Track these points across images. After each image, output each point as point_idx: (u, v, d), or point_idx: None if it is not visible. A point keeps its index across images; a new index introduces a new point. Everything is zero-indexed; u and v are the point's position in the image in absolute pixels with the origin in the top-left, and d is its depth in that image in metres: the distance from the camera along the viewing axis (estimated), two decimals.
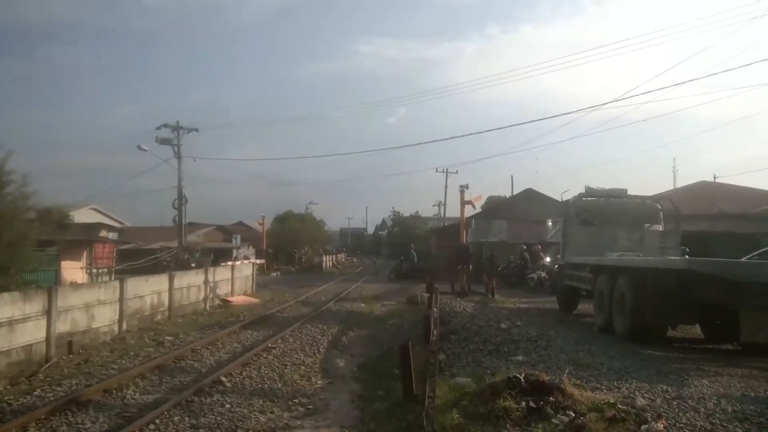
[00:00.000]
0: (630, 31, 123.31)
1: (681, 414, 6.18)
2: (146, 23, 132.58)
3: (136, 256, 31.30)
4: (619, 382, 7.58)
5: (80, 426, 6.72)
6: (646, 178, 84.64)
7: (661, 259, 12.82)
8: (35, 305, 10.33)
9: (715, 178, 39.11)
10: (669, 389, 7.19)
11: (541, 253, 25.37)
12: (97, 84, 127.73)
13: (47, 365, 10.04)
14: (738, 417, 6.09)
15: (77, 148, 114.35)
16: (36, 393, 8.23)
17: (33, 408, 7.35)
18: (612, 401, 6.21)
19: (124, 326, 13.60)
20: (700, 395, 6.93)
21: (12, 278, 13.58)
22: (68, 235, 22.30)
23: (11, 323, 9.63)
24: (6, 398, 7.95)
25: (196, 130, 31.23)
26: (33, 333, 10.19)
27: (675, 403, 6.60)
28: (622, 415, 5.77)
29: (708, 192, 30.19)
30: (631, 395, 6.84)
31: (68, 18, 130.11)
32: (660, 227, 15.81)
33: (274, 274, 40.08)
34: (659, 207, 16.20)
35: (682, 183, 39.61)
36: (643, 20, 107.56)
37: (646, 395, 6.91)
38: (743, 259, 12.02)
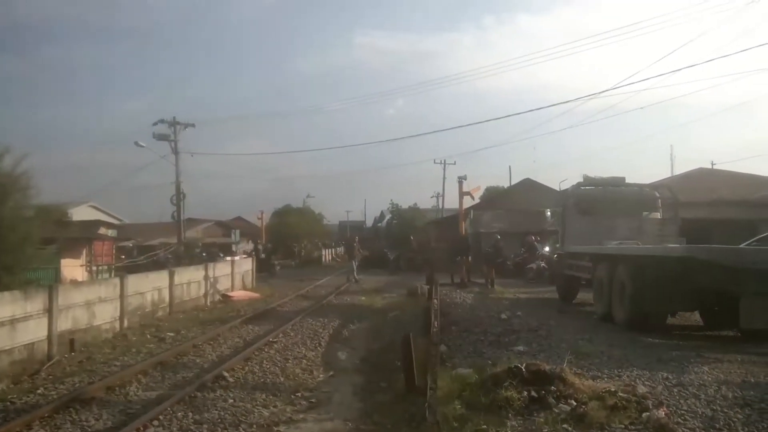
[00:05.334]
0: (625, 19, 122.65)
1: (682, 401, 6.22)
2: (142, 20, 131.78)
3: (136, 252, 31.29)
4: (619, 370, 7.61)
5: (84, 423, 6.74)
6: (644, 165, 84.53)
7: (660, 246, 12.86)
8: (36, 304, 10.33)
9: (712, 164, 39.21)
10: (669, 376, 7.23)
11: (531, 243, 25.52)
12: (95, 81, 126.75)
13: (49, 363, 10.04)
14: (739, 403, 6.12)
15: (74, 145, 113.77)
16: (39, 391, 8.25)
17: (36, 406, 7.37)
18: (613, 389, 6.23)
19: (126, 323, 13.61)
20: (701, 382, 6.97)
21: (15, 278, 13.57)
22: (68, 233, 22.24)
23: (13, 322, 9.62)
24: (9, 397, 7.96)
25: (193, 125, 31.24)
26: (35, 331, 10.18)
27: (676, 390, 6.64)
28: (624, 403, 5.79)
29: (706, 179, 30.18)
30: (632, 383, 6.86)
31: (65, 16, 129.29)
32: (658, 215, 15.83)
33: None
34: (657, 195, 16.21)
35: (679, 170, 39.58)
36: (638, 7, 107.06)
37: (646, 383, 6.94)
38: (742, 246, 12.06)
